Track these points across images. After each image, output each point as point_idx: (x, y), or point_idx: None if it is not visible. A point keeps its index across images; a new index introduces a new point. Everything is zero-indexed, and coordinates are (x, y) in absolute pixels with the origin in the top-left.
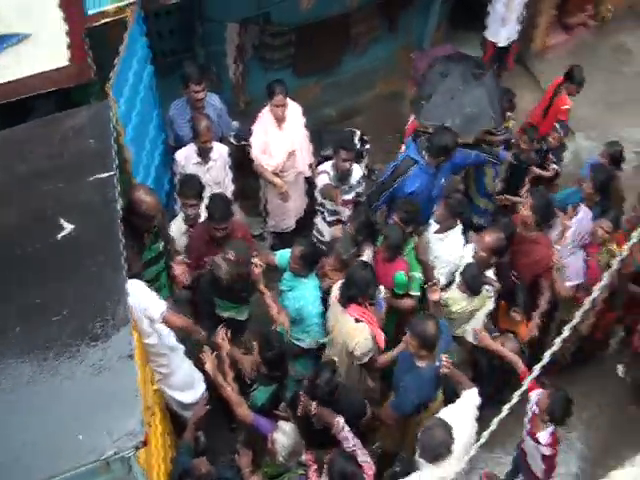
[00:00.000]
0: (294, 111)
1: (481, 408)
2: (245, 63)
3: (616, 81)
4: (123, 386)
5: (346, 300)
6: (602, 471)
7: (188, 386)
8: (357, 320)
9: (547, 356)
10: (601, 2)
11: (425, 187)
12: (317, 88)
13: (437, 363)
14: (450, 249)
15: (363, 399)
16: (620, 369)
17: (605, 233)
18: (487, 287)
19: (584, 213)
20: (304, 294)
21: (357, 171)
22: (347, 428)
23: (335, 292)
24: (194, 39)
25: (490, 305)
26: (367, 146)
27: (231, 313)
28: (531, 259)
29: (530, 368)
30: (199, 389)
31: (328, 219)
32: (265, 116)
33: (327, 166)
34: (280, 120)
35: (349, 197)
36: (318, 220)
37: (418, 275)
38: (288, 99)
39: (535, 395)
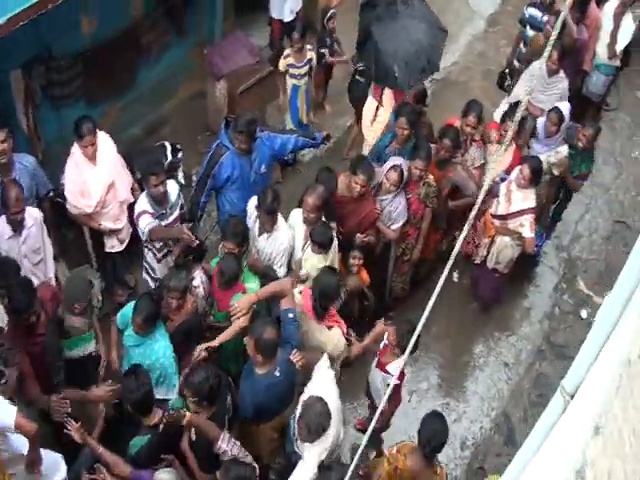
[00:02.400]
0: (103, 141)
1: None
2: (35, 108)
3: None
4: None
5: (321, 312)
6: (459, 373)
7: (52, 469)
8: (330, 327)
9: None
10: None
11: (241, 173)
12: (116, 111)
13: (277, 373)
14: (279, 241)
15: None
16: (455, 275)
17: (420, 171)
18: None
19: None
20: (153, 348)
21: (173, 187)
22: (227, 444)
23: (300, 299)
24: None
25: (336, 249)
26: (180, 155)
27: (79, 349)
28: (358, 218)
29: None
30: (62, 468)
31: (158, 256)
32: (76, 155)
33: (143, 202)
34: (92, 156)
35: (174, 216)
36: (149, 257)
37: (255, 287)
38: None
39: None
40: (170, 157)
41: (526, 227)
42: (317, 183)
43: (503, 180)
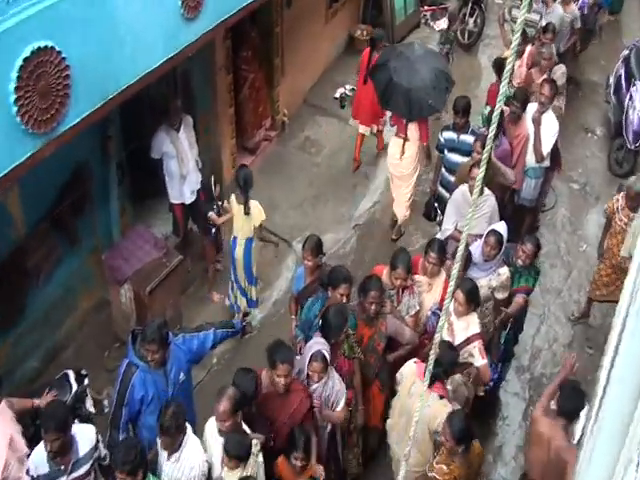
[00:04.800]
0: None
1: None
2: None
3: (314, 174)
4: None
5: (433, 380)
6: None
7: None
8: (441, 397)
9: None
10: (276, 112)
11: (155, 391)
12: (8, 347)
13: None
14: (188, 463)
15: None
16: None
17: None
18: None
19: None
20: None
21: (87, 436)
22: None
23: (406, 378)
24: None
25: (261, 462)
26: (86, 381)
27: None
28: (289, 412)
29: None
30: None
31: None
32: None
33: (37, 454)
34: None
35: (79, 473)
36: None
37: None
38: None
39: None
40: (75, 386)
41: (476, 355)
42: (232, 385)
43: (435, 314)
